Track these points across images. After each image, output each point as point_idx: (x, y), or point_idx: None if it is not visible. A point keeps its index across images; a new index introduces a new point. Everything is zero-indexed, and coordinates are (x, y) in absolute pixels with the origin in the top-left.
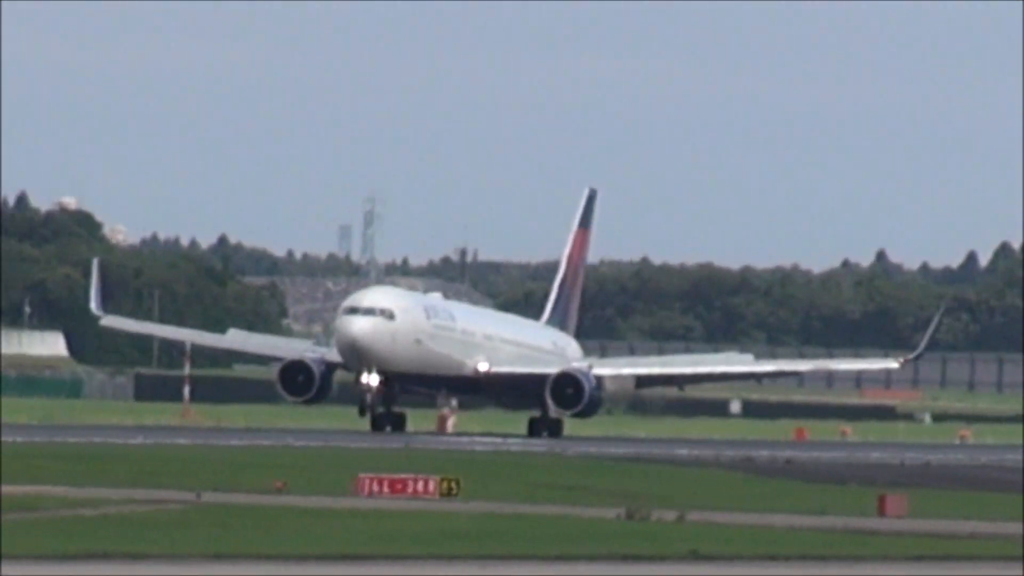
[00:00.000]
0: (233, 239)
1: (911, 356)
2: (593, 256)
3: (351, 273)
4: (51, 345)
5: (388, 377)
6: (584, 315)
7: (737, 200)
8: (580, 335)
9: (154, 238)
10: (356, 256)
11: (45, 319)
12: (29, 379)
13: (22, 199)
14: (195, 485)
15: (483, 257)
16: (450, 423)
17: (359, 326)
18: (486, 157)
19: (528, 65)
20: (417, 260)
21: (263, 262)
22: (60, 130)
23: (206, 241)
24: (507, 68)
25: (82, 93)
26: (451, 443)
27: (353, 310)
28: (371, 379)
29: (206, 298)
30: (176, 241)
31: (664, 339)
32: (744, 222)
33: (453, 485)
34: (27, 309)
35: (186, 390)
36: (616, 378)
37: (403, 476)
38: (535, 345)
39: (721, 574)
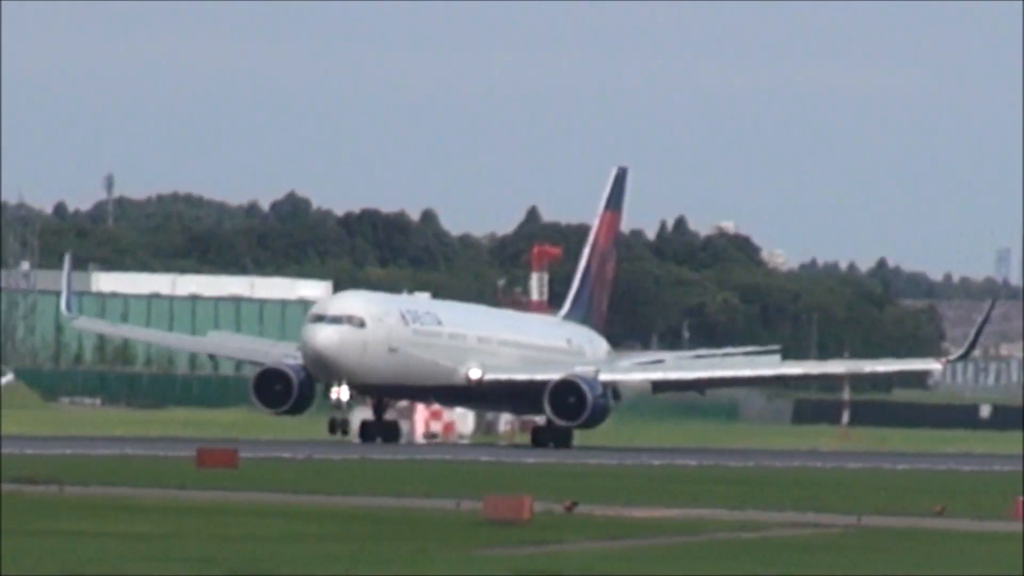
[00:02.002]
0: (892, 263)
1: (954, 356)
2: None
3: (1009, 296)
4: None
5: (362, 390)
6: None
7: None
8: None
9: (813, 262)
10: (1014, 279)
11: (703, 343)
12: (688, 403)
13: (680, 223)
14: (856, 508)
15: None
16: None
17: (325, 336)
18: None
19: None
20: None
21: (921, 286)
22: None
23: (865, 265)
24: None
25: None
26: None
27: (319, 318)
28: (341, 393)
29: (864, 322)
30: (835, 265)
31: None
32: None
33: None
34: (685, 333)
35: (844, 414)
36: (628, 384)
37: None
38: (544, 346)
39: None
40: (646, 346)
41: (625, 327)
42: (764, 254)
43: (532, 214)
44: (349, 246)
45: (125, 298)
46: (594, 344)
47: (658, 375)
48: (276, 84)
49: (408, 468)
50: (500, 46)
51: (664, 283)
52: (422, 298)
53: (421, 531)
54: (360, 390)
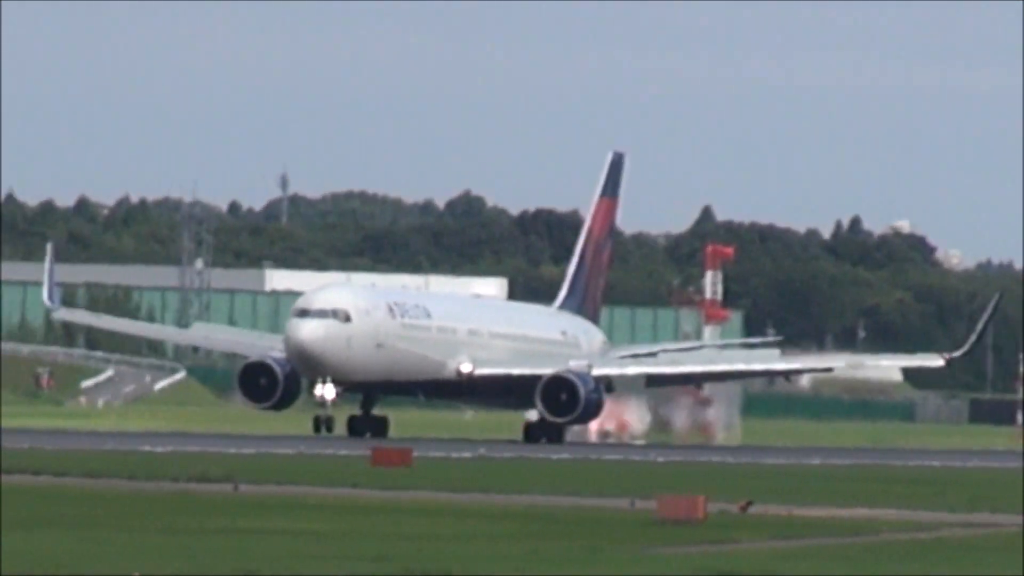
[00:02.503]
0: None
1: (957, 353)
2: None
3: None
4: (884, 370)
5: (348, 387)
6: None
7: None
8: None
9: (988, 262)
10: None
11: (878, 343)
12: (864, 403)
13: (855, 223)
14: None
15: None
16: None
17: (308, 331)
18: None
19: None
20: None
21: None
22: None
23: None
24: None
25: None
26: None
27: (303, 312)
28: (326, 390)
29: None
30: (1010, 265)
31: None
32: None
33: None
34: (861, 333)
35: (1019, 414)
36: (622, 379)
37: None
38: (537, 337)
39: None
40: (821, 347)
41: (799, 327)
42: (939, 254)
43: (706, 213)
44: (523, 245)
45: (299, 296)
46: (589, 335)
47: (652, 369)
48: (454, 82)
49: (581, 467)
50: (689, 43)
51: (839, 283)
52: (411, 290)
53: (595, 530)
54: (346, 387)
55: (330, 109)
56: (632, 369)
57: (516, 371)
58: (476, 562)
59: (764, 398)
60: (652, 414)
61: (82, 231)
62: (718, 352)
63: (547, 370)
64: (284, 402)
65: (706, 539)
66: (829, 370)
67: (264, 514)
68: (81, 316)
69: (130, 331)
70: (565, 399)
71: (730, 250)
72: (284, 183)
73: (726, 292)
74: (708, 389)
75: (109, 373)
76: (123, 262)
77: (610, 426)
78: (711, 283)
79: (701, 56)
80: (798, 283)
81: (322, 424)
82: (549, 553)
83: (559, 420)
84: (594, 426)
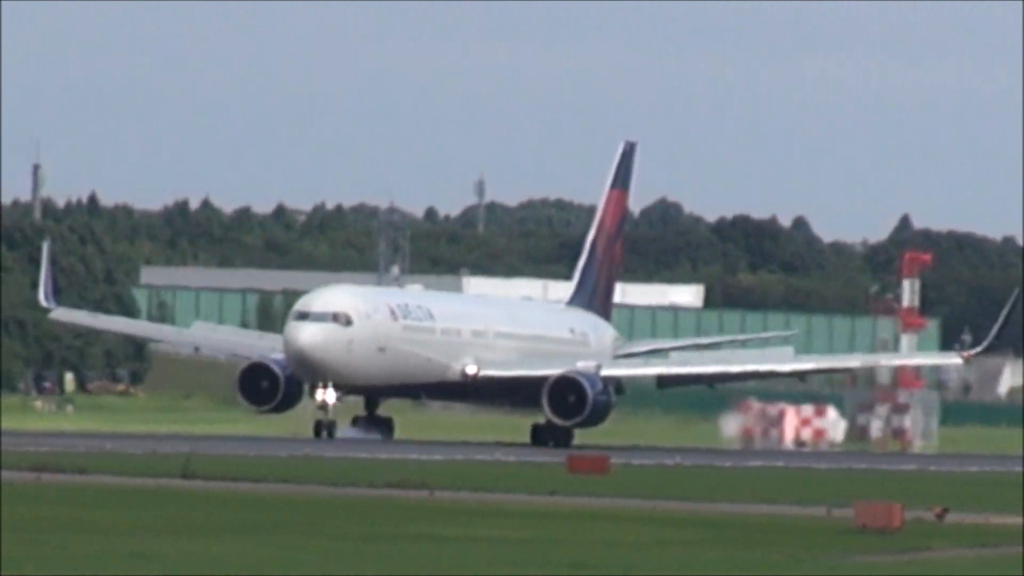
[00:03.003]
0: None
1: (976, 350)
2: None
3: None
4: None
5: (349, 391)
6: None
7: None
8: None
9: None
10: None
11: None
12: None
13: None
14: None
15: None
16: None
17: (308, 335)
18: None
19: None
20: None
21: None
22: None
23: None
24: None
25: None
26: None
27: (303, 315)
28: (327, 395)
29: None
30: None
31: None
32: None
33: None
34: None
35: None
36: (633, 379)
37: None
38: (545, 336)
39: None
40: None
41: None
42: None
43: (904, 221)
44: (720, 252)
45: None
46: (599, 332)
47: (663, 369)
48: (650, 90)
49: (777, 475)
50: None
51: None
52: (414, 290)
53: (792, 538)
54: (347, 390)
55: (526, 116)
56: (642, 369)
57: (522, 372)
58: (671, 569)
59: (960, 406)
60: (849, 422)
61: (278, 238)
62: (731, 352)
63: (554, 371)
64: (285, 405)
65: (903, 547)
66: (846, 370)
67: (460, 521)
68: (76, 316)
69: (127, 330)
70: (572, 401)
71: (928, 257)
72: (480, 189)
73: (923, 300)
74: (903, 397)
75: None
76: (319, 268)
77: (806, 434)
78: (908, 291)
79: (903, 60)
80: (995, 290)
81: (323, 429)
82: (747, 562)
83: (566, 423)
84: (790, 434)
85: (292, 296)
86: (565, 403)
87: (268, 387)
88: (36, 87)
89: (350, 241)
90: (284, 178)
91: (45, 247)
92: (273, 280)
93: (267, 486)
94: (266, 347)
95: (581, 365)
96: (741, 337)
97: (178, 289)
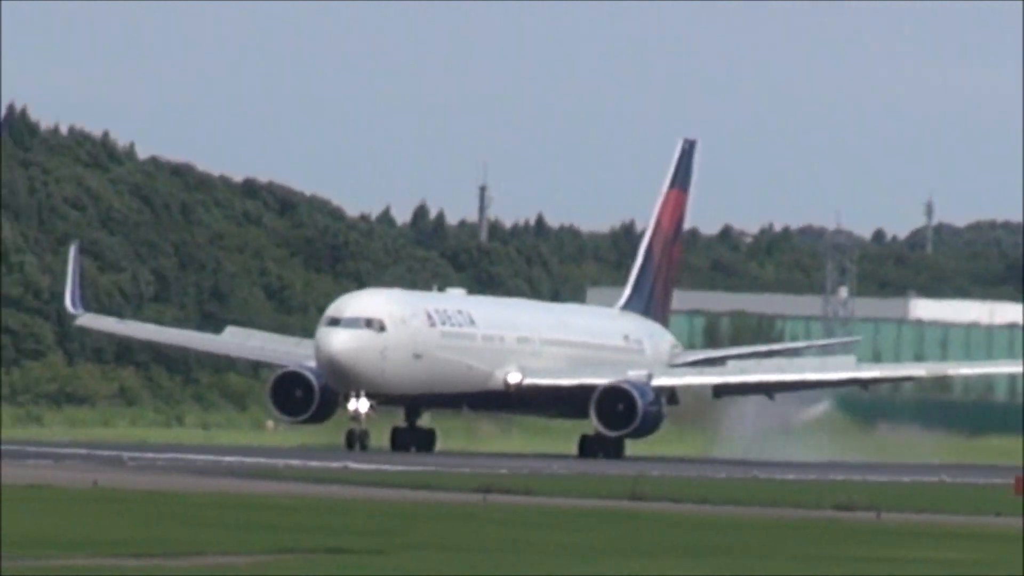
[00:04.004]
0: None
1: None
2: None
3: None
4: None
5: (383, 400)
6: None
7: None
8: None
9: None
10: None
11: None
12: None
13: None
14: None
15: None
16: None
17: (339, 342)
18: None
19: None
20: None
21: None
22: None
23: None
24: None
25: None
26: None
27: (334, 321)
28: (360, 404)
29: None
30: None
31: None
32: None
33: None
34: None
35: None
36: (686, 389)
37: None
38: (596, 344)
39: None
40: None
41: None
42: None
43: None
44: None
45: (944, 327)
46: (655, 339)
47: (719, 378)
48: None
49: None
50: None
51: None
52: (456, 295)
53: None
54: (382, 400)
55: (972, 136)
56: (696, 378)
57: (568, 381)
58: None
59: None
60: None
61: (726, 259)
62: (789, 360)
63: (602, 380)
64: (321, 415)
65: None
66: (909, 379)
67: (905, 543)
68: (105, 323)
69: (156, 338)
70: (622, 411)
71: None
72: (929, 211)
73: None
74: None
75: (752, 402)
76: (766, 291)
77: None
78: None
79: None
80: None
81: (356, 439)
82: None
83: (615, 434)
84: None
85: (739, 318)
86: (614, 413)
87: (302, 397)
88: (483, 109)
89: (797, 263)
90: (730, 200)
91: (72, 250)
92: (719, 301)
93: (709, 508)
94: (301, 355)
95: (632, 374)
96: (802, 344)
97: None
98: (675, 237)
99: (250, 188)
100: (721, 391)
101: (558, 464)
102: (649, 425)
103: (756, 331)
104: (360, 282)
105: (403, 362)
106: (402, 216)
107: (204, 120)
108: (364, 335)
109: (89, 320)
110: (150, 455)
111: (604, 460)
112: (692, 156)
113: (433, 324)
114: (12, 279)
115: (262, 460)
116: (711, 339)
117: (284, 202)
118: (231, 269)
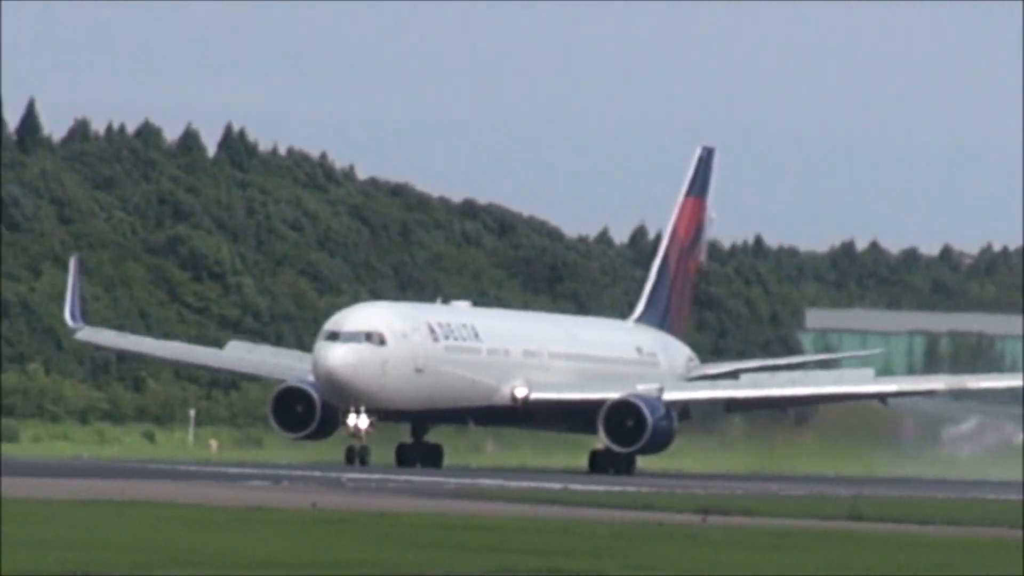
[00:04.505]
0: None
1: None
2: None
3: None
4: None
5: (384, 416)
6: None
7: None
8: None
9: None
10: None
11: None
12: None
13: None
14: None
15: None
16: None
17: (338, 356)
18: None
19: None
20: None
21: None
22: None
23: None
24: None
25: None
26: None
27: (333, 335)
28: (359, 421)
29: None
30: None
31: None
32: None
33: None
34: None
35: None
36: (699, 403)
37: None
38: (607, 357)
39: None
40: None
41: None
42: None
43: None
44: None
45: None
46: (670, 352)
47: (731, 392)
48: None
49: None
50: None
51: None
52: (461, 307)
53: None
54: (382, 416)
55: None
56: (708, 392)
57: (576, 395)
58: None
59: None
60: None
61: (945, 279)
62: (803, 374)
63: (612, 394)
64: (322, 432)
65: None
66: (929, 393)
67: None
68: (102, 336)
69: (157, 352)
70: (631, 426)
71: None
72: None
73: None
74: None
75: (971, 422)
76: (986, 310)
77: None
78: None
79: None
80: None
81: (355, 456)
82: None
83: (624, 450)
84: None
85: (959, 337)
86: (623, 428)
87: (303, 412)
88: (703, 131)
89: (1016, 283)
90: (951, 219)
91: (72, 263)
92: (940, 322)
93: (930, 528)
94: (303, 370)
95: (642, 388)
96: (815, 357)
97: (843, 332)
98: (692, 247)
99: (469, 209)
100: (734, 406)
101: (763, 485)
102: (660, 441)
103: (975, 351)
104: (578, 303)
105: (404, 377)
106: (620, 237)
107: (423, 141)
108: (363, 349)
109: (88, 334)
110: (364, 476)
111: (614, 475)
112: (710, 164)
113: (436, 338)
114: (229, 300)
115: (484, 481)
116: (931, 360)
117: (503, 223)
118: (450, 290)
